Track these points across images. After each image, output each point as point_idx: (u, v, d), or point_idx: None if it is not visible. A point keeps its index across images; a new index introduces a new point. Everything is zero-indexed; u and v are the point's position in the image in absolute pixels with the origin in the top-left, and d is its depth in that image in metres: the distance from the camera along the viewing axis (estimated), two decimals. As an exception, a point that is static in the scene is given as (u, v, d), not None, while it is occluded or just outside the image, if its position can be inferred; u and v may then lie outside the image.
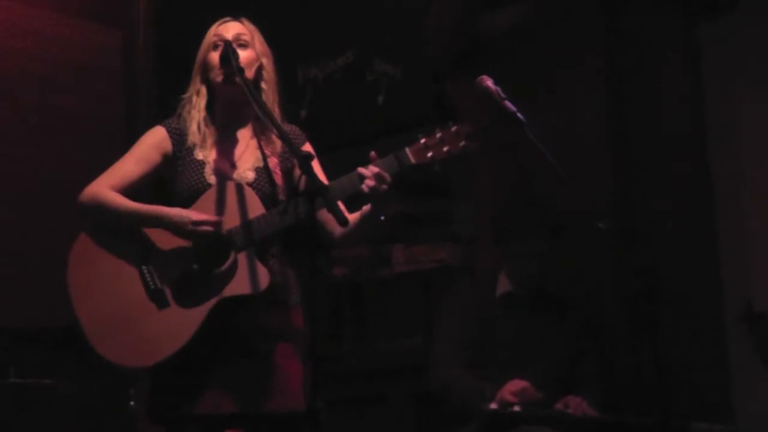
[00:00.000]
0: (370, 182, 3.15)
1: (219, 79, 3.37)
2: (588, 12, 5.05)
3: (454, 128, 3.22)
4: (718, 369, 4.57)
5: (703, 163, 4.81)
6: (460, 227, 5.39)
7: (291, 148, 3.19)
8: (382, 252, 5.52)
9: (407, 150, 3.21)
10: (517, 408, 3.88)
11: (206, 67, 3.43)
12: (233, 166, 3.39)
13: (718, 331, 4.59)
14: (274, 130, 3.25)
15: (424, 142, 3.20)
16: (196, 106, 3.43)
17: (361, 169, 3.18)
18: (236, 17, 3.51)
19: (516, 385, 3.94)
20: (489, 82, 3.26)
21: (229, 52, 3.29)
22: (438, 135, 3.21)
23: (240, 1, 3.68)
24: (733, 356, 4.56)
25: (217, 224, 3.23)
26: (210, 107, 3.46)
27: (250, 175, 3.37)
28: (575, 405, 3.99)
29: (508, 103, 3.22)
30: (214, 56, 3.39)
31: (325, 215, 3.19)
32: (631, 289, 4.44)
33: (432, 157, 3.20)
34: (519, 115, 3.20)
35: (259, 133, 3.43)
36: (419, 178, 5.54)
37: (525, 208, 4.47)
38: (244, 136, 3.46)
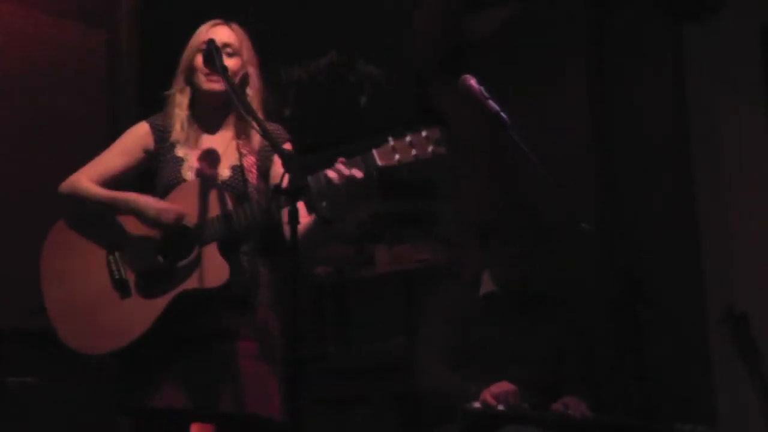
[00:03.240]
0: (338, 181, 3.11)
1: (204, 85, 3.41)
2: (573, 15, 5.06)
3: (424, 133, 3.12)
4: (700, 370, 4.57)
5: (686, 166, 4.82)
6: (443, 228, 5.40)
7: (274, 146, 3.19)
8: (365, 252, 5.52)
9: (374, 152, 3.13)
10: (501, 408, 3.87)
11: (192, 69, 3.46)
12: (212, 165, 3.42)
13: (701, 332, 4.60)
14: (257, 129, 3.26)
15: (393, 145, 3.12)
16: (180, 105, 3.46)
17: (329, 171, 3.14)
18: (227, 21, 3.52)
19: (500, 387, 3.92)
20: (472, 81, 3.24)
21: (212, 50, 3.32)
22: (407, 139, 3.12)
23: (225, 1, 3.68)
24: (715, 357, 4.57)
25: (179, 215, 3.27)
26: (193, 107, 3.49)
27: (226, 173, 3.40)
28: (574, 406, 3.98)
29: (491, 103, 3.21)
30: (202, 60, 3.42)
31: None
32: (614, 291, 4.45)
33: (399, 160, 3.12)
34: (503, 115, 3.19)
35: (240, 133, 3.46)
36: (404, 179, 5.55)
37: (509, 209, 4.46)
38: (225, 137, 3.49)
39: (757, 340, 4.11)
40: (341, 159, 3.16)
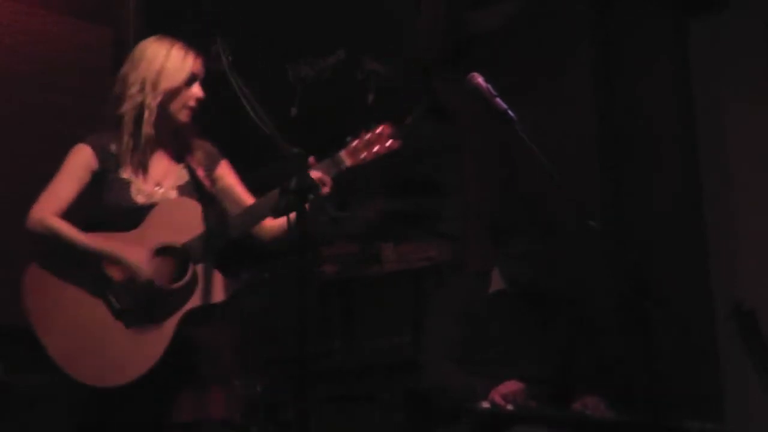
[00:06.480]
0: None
1: (183, 117, 3.50)
2: (578, 11, 5.05)
3: (378, 129, 3.42)
4: (708, 368, 4.57)
5: (692, 163, 4.81)
6: (449, 225, 5.40)
7: (279, 145, 3.21)
8: (372, 250, 5.53)
9: (342, 153, 3.40)
10: (510, 407, 3.86)
11: (176, 95, 3.51)
12: (158, 185, 3.50)
13: (708, 329, 4.60)
14: (265, 129, 3.28)
15: (355, 145, 3.40)
16: (147, 125, 3.48)
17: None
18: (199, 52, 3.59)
19: (508, 386, 3.92)
20: (479, 80, 3.25)
21: (220, 49, 3.33)
22: (366, 137, 3.41)
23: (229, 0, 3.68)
24: (723, 354, 4.57)
25: (168, 290, 3.34)
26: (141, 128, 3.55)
27: (173, 194, 3.49)
28: (594, 405, 3.98)
29: (498, 101, 3.22)
30: (195, 91, 3.51)
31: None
32: (622, 288, 4.44)
33: (364, 158, 3.40)
34: (510, 113, 3.20)
35: (183, 149, 3.56)
36: (409, 176, 5.55)
37: (515, 207, 4.46)
38: (164, 155, 3.56)
39: (765, 337, 4.10)
40: (312, 159, 3.30)
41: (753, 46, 4.73)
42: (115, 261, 3.35)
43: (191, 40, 3.59)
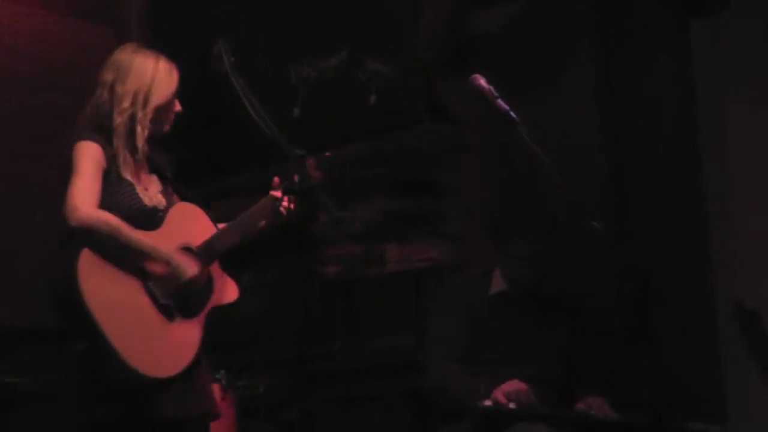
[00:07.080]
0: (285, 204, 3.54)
1: (167, 127, 3.60)
2: (580, 11, 5.05)
3: (308, 160, 3.50)
4: (711, 369, 4.57)
5: (694, 163, 4.81)
6: (450, 225, 5.40)
7: (283, 147, 3.24)
8: (375, 251, 5.53)
9: (308, 172, 3.50)
10: (512, 406, 3.86)
11: (167, 110, 3.59)
12: (146, 190, 3.58)
13: (711, 329, 4.60)
14: (267, 131, 3.31)
15: (313, 163, 3.50)
16: (141, 139, 3.54)
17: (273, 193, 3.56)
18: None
19: (511, 385, 3.92)
20: (482, 81, 3.26)
21: (222, 50, 3.35)
22: (311, 162, 3.50)
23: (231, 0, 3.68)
24: (725, 354, 4.57)
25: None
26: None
27: (161, 199, 3.59)
28: (597, 406, 3.99)
29: (500, 102, 3.23)
30: (176, 104, 3.61)
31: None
32: (624, 288, 4.45)
33: (318, 176, 3.49)
34: (512, 114, 3.21)
35: (151, 158, 3.62)
36: (411, 177, 5.56)
37: (516, 207, 4.46)
38: (143, 163, 3.61)
39: (767, 336, 4.10)
40: (276, 179, 3.54)
41: (753, 46, 4.72)
42: (164, 260, 3.43)
43: (191, 40, 3.59)
